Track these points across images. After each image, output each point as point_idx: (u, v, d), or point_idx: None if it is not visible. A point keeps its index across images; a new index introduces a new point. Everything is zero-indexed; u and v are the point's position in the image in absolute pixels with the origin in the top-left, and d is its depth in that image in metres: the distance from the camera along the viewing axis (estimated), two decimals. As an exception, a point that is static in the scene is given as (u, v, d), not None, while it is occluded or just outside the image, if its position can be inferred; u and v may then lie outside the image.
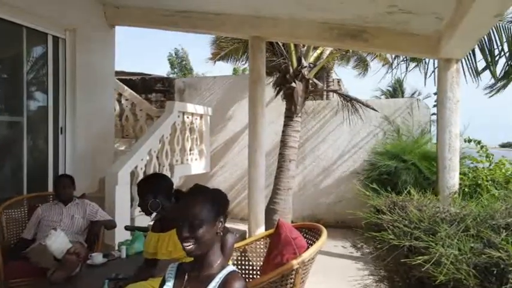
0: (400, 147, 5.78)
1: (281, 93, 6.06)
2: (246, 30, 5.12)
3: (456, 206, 2.23)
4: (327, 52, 6.22)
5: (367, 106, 6.25)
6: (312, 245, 2.33)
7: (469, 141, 4.54)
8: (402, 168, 5.35)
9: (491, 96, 5.55)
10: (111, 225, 3.42)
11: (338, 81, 10.73)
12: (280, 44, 5.94)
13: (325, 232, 2.28)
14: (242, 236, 5.76)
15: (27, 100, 4.58)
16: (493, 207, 2.11)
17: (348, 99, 6.20)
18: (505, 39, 4.89)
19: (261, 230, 5.08)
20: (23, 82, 4.52)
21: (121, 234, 3.80)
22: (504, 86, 5.37)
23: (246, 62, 7.46)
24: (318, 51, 6.14)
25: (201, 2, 4.90)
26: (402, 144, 5.86)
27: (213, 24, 5.15)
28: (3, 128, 4.48)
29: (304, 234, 2.47)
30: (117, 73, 6.14)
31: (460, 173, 4.05)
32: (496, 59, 4.96)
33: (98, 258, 2.67)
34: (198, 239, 1.38)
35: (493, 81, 5.27)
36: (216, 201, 1.47)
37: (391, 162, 5.52)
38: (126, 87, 6.91)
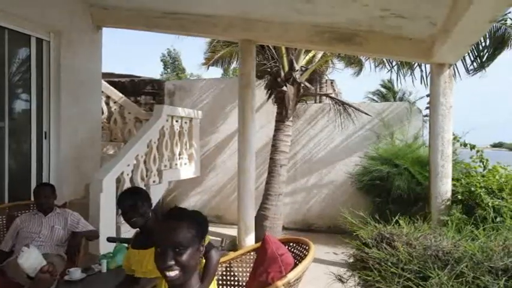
0: (392, 151, 5.72)
1: (272, 96, 5.97)
2: (237, 33, 5.03)
3: (449, 238, 2.09)
4: (319, 55, 6.14)
5: (359, 110, 6.17)
6: (299, 260, 2.24)
7: (465, 145, 4.49)
8: (395, 173, 5.29)
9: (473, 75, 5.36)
10: (93, 235, 3.30)
11: (331, 82, 10.66)
12: (272, 47, 5.85)
13: (313, 248, 2.18)
14: (232, 241, 5.65)
15: (9, 104, 4.43)
16: (489, 245, 1.97)
17: (340, 103, 6.13)
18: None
19: (250, 237, 4.99)
20: (5, 85, 4.37)
21: (105, 245, 3.68)
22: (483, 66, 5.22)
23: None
24: (310, 54, 6.06)
25: (190, 3, 4.79)
26: (395, 149, 5.80)
27: (203, 26, 5.04)
28: (-16, 133, 4.33)
29: (292, 249, 2.37)
30: (106, 75, 6.01)
31: (453, 179, 3.99)
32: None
33: (75, 273, 2.54)
34: (184, 267, 1.27)
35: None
36: (200, 225, 1.37)
37: (383, 167, 5.46)
38: (114, 90, 6.76)
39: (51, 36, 4.83)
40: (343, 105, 6.10)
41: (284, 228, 6.10)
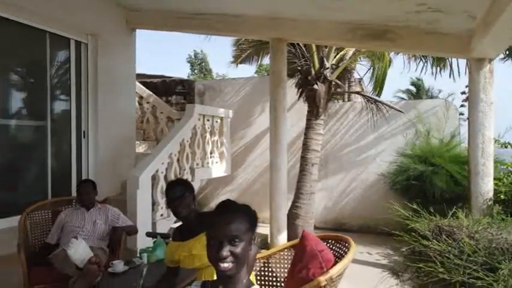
0: (428, 150, 5.56)
1: (303, 95, 5.94)
2: (266, 31, 5.05)
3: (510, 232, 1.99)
4: (350, 52, 6.06)
5: (393, 108, 6.05)
6: (339, 257, 2.22)
7: (505, 146, 4.32)
8: (431, 173, 5.14)
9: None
10: (132, 230, 3.40)
11: (359, 81, 10.52)
12: (302, 45, 5.82)
13: (354, 245, 2.16)
14: (263, 240, 5.67)
15: (50, 104, 4.63)
16: None
17: (372, 100, 6.02)
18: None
19: (283, 235, 4.99)
20: (47, 87, 4.57)
21: (143, 240, 3.78)
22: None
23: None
24: (341, 52, 5.99)
25: (219, 4, 4.85)
26: (431, 147, 5.64)
27: (232, 26, 5.09)
28: (28, 133, 4.55)
29: (330, 246, 2.35)
30: (138, 76, 6.16)
31: (494, 178, 3.85)
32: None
33: (119, 266, 2.63)
34: (238, 258, 1.30)
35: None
36: (252, 218, 1.40)
37: (419, 166, 5.32)
38: (147, 90, 6.93)
39: (89, 39, 5.00)
40: (375, 103, 6.00)
41: (315, 227, 6.06)
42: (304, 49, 5.82)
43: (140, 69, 6.07)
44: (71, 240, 2.45)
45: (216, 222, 1.35)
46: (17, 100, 4.56)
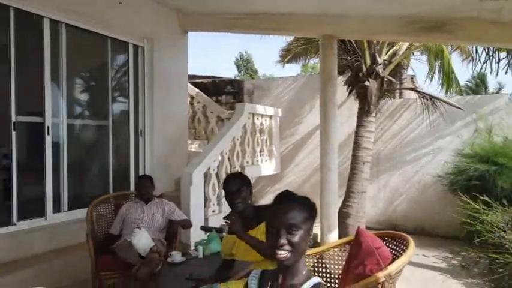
0: (491, 149, 5.21)
1: (353, 92, 5.82)
2: (316, 28, 5.01)
3: None
4: (404, 48, 5.84)
5: (450, 104, 5.74)
6: (396, 256, 2.16)
7: None
8: (495, 173, 4.81)
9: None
10: (187, 224, 3.53)
11: (412, 78, 10.09)
12: (353, 41, 5.70)
13: (412, 243, 2.09)
14: (313, 238, 5.63)
15: (111, 105, 4.93)
16: None
17: (427, 96, 5.76)
18: None
19: (333, 234, 4.93)
20: (108, 89, 4.88)
21: (196, 234, 3.92)
22: None
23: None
24: (394, 47, 5.79)
25: (269, 3, 4.88)
26: (494, 146, 5.28)
27: (282, 25, 5.11)
28: (92, 131, 4.89)
29: (387, 244, 2.29)
30: (189, 77, 6.37)
31: None
32: None
33: (177, 256, 2.75)
34: (295, 247, 1.32)
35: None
36: (310, 209, 1.41)
37: (480, 166, 5.00)
38: (197, 90, 7.15)
39: (145, 42, 5.26)
40: (431, 99, 5.72)
41: (367, 227, 5.90)
42: (355, 45, 5.69)
43: (191, 71, 6.28)
44: (134, 230, 2.60)
45: (274, 211, 1.39)
46: (82, 101, 4.93)
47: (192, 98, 7.07)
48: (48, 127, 4.01)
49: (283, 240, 1.31)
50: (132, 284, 2.39)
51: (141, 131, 5.26)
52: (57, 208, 4.11)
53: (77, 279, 3.43)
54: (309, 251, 2.47)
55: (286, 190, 1.48)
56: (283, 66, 8.01)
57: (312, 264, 2.51)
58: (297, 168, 7.37)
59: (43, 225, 3.90)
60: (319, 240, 5.10)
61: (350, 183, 5.54)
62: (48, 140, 4.02)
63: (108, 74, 4.90)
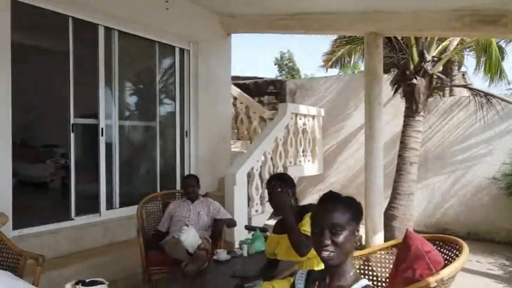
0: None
1: (399, 91, 5.63)
2: (361, 26, 4.91)
3: None
4: (454, 43, 5.56)
5: (507, 101, 5.39)
6: (448, 261, 2.07)
7: None
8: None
9: None
10: (232, 223, 3.59)
11: (463, 75, 9.59)
12: (399, 38, 5.52)
13: (466, 248, 1.99)
14: (358, 240, 5.52)
15: (159, 107, 5.13)
16: None
17: (482, 94, 5.44)
18: None
19: (379, 236, 4.81)
20: (156, 91, 5.08)
21: (239, 233, 3.99)
22: None
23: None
24: (444, 43, 5.53)
25: (313, 3, 4.85)
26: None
27: (326, 23, 5.05)
28: (141, 132, 5.12)
29: (438, 248, 2.21)
30: (232, 78, 6.48)
31: None
32: None
33: (222, 254, 2.82)
34: (339, 247, 1.32)
35: None
36: (354, 209, 1.40)
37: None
38: (240, 91, 7.24)
39: (191, 46, 5.42)
40: (486, 97, 5.40)
41: (415, 230, 5.68)
42: (401, 42, 5.50)
43: (234, 72, 6.38)
44: (183, 228, 2.70)
45: (318, 211, 1.40)
46: (132, 104, 5.18)
47: (235, 98, 7.17)
48: (102, 129, 4.26)
49: (326, 241, 1.32)
50: (181, 279, 2.48)
51: (186, 132, 5.42)
52: (110, 205, 4.35)
53: (128, 272, 3.61)
54: (355, 253, 2.43)
55: (331, 191, 1.48)
56: (326, 71, 7.93)
57: (358, 267, 2.47)
58: (340, 169, 7.26)
59: (97, 220, 4.15)
60: (363, 242, 5.00)
61: (396, 184, 5.36)
62: (102, 141, 4.27)
63: (156, 77, 5.11)
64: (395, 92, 5.77)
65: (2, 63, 3.31)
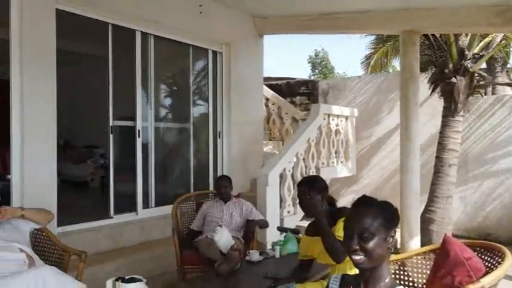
0: None
1: (437, 90, 5.43)
2: (396, 25, 4.79)
3: None
4: (498, 39, 5.29)
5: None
6: (490, 268, 1.99)
7: None
8: None
9: None
10: (264, 224, 3.61)
11: (507, 72, 9.11)
12: (437, 36, 5.33)
13: (509, 255, 1.90)
14: (393, 244, 5.38)
15: (192, 109, 5.24)
16: None
17: (527, 92, 5.16)
18: None
19: (415, 240, 4.67)
20: (190, 93, 5.20)
21: (272, 234, 4.00)
22: None
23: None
24: (486, 39, 5.28)
25: (345, 2, 4.79)
26: None
27: (360, 22, 4.98)
28: (176, 134, 5.25)
29: (479, 255, 2.12)
30: (264, 79, 6.50)
31: None
32: None
33: (255, 255, 2.85)
34: (368, 253, 1.30)
35: None
36: (388, 214, 1.37)
37: None
38: (272, 92, 7.25)
39: (223, 48, 5.50)
40: (531, 94, 5.11)
41: (454, 235, 5.47)
42: (440, 39, 5.31)
43: (266, 73, 6.40)
44: (216, 228, 2.76)
45: (349, 215, 1.39)
46: (167, 106, 5.32)
47: (267, 99, 7.19)
48: (138, 130, 4.41)
49: (355, 245, 1.30)
50: (214, 279, 2.53)
51: (219, 133, 5.50)
52: (146, 204, 4.49)
53: (164, 270, 3.72)
54: (390, 257, 2.38)
55: (364, 195, 1.46)
56: (366, 72, 7.78)
57: (393, 272, 2.41)
58: (374, 170, 7.10)
59: (134, 219, 4.30)
60: (399, 246, 4.87)
61: (434, 187, 5.18)
62: (139, 142, 4.42)
63: (189, 79, 5.23)
64: (432, 91, 5.57)
65: (48, 69, 3.50)
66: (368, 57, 7.27)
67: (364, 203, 1.41)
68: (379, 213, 1.35)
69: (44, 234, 2.63)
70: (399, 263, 2.42)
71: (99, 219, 4.04)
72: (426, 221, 5.05)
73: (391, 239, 1.37)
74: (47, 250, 2.60)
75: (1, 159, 6.03)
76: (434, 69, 5.53)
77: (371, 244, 1.30)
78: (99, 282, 2.31)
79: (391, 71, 10.51)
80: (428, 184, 5.28)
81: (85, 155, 7.46)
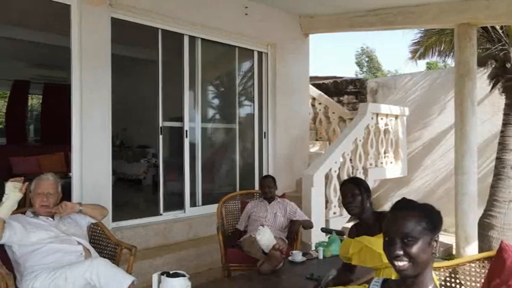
0: None
1: (498, 86, 5.06)
2: (450, 18, 4.52)
3: None
4: None
5: None
6: (553, 279, 1.82)
7: None
8: None
9: None
10: (308, 225, 3.58)
11: None
12: (498, 28, 4.96)
13: None
14: (447, 250, 5.10)
15: (238, 109, 5.33)
16: None
17: None
18: None
19: (472, 247, 4.38)
20: (235, 94, 5.29)
21: (316, 235, 3.95)
22: None
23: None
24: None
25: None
26: None
27: (411, 17, 4.76)
28: (222, 134, 5.37)
29: (541, 264, 1.95)
30: (311, 78, 6.43)
31: None
32: None
33: (298, 255, 2.83)
34: (413, 258, 1.24)
35: None
36: (431, 218, 1.30)
37: None
38: (319, 92, 7.17)
39: (268, 48, 5.52)
40: None
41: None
42: (500, 32, 4.94)
43: (312, 72, 6.33)
44: (258, 227, 2.78)
45: (389, 219, 1.32)
46: (213, 107, 5.45)
47: (314, 99, 7.12)
48: (186, 131, 4.56)
49: (398, 251, 1.24)
50: (256, 278, 2.55)
51: (264, 133, 5.54)
52: (193, 202, 4.64)
53: (210, 266, 3.83)
54: (440, 264, 2.27)
55: (404, 198, 1.39)
56: (416, 63, 7.41)
57: (443, 279, 2.29)
58: (427, 171, 6.77)
59: (182, 217, 4.45)
60: (454, 252, 4.60)
61: (494, 190, 4.84)
62: (186, 143, 4.57)
63: (235, 80, 5.32)
64: (493, 88, 5.19)
65: (104, 73, 3.75)
66: (417, 45, 6.87)
67: (405, 206, 1.35)
68: (421, 216, 1.28)
69: (99, 228, 2.81)
70: (450, 270, 2.30)
71: (149, 216, 4.24)
72: (485, 226, 4.73)
73: (435, 244, 1.31)
74: (101, 243, 2.78)
75: (66, 158, 6.54)
76: (494, 63, 5.15)
77: (415, 249, 1.24)
78: (148, 276, 2.42)
79: (444, 64, 9.93)
80: (483, 186, 4.93)
81: (139, 154, 7.87)
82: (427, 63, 13.57)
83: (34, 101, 10.76)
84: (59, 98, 4.31)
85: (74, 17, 3.60)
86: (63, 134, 4.08)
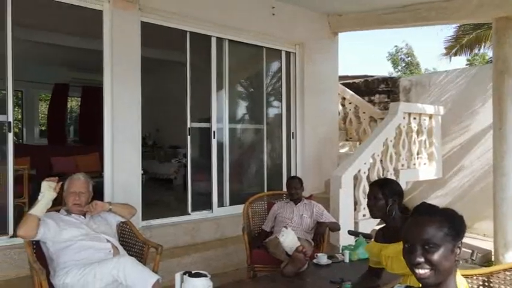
0: None
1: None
2: (488, 12, 4.31)
3: None
4: None
5: None
6: None
7: None
8: None
9: None
10: (335, 227, 3.52)
11: None
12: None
13: None
14: (485, 256, 4.85)
15: (266, 110, 5.33)
16: None
17: None
18: None
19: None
20: (263, 95, 5.29)
21: (345, 237, 3.87)
22: None
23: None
24: None
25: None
26: None
27: (445, 12, 4.58)
28: (250, 134, 5.38)
29: None
30: (341, 77, 6.32)
31: None
32: None
33: (323, 258, 2.79)
34: (435, 266, 1.19)
35: None
36: (453, 223, 1.24)
37: None
38: (349, 91, 7.03)
39: (296, 48, 5.48)
40: None
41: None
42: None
43: (342, 71, 6.22)
44: (282, 229, 2.77)
45: (409, 225, 1.27)
46: (241, 108, 5.48)
47: (344, 99, 6.99)
48: (214, 132, 4.62)
49: (418, 258, 1.19)
50: (279, 279, 2.54)
51: (292, 134, 5.50)
52: (221, 202, 4.68)
53: (237, 267, 3.84)
54: (474, 271, 2.16)
55: (424, 202, 1.33)
56: (450, 60, 7.13)
57: (476, 287, 2.18)
58: (464, 173, 6.47)
59: (210, 217, 4.51)
60: (492, 258, 4.37)
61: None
62: (214, 143, 4.63)
63: (263, 81, 5.32)
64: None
65: (134, 76, 3.86)
66: (454, 41, 6.58)
67: (426, 211, 1.29)
68: (443, 221, 1.23)
69: (128, 227, 2.89)
70: (484, 277, 2.18)
71: (178, 215, 4.33)
72: (527, 232, 4.45)
73: (459, 250, 1.24)
74: (130, 242, 2.86)
75: (100, 158, 6.79)
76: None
77: (436, 256, 1.19)
78: (174, 275, 2.46)
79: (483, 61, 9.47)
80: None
81: (170, 154, 8.04)
82: (468, 59, 12.93)
83: (73, 103, 11.28)
84: (95, 100, 4.49)
85: (105, 22, 3.74)
86: (99, 135, 4.25)
